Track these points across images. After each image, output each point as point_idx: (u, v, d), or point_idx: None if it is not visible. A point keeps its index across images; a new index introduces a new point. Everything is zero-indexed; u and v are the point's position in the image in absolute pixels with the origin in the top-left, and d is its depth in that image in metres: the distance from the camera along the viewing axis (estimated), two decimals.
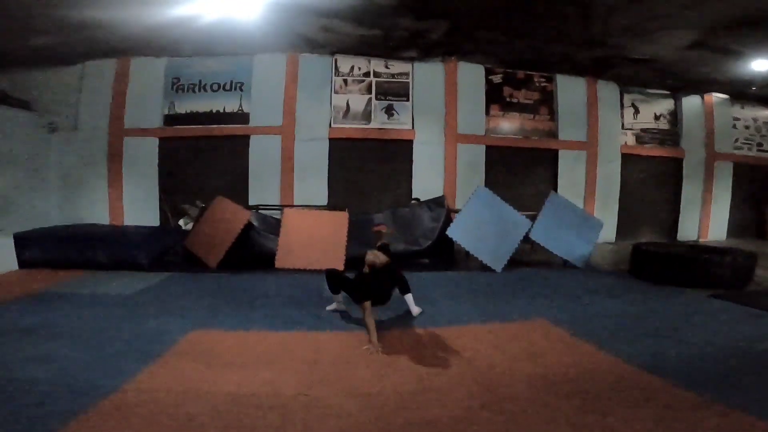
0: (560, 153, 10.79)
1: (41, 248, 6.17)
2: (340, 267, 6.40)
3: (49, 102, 9.62)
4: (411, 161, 10.15)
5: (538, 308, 4.62)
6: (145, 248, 6.47)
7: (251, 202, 9.29)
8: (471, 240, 6.56)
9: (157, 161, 9.69)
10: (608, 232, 10.56)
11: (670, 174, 11.76)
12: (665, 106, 11.85)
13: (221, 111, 9.92)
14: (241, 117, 9.89)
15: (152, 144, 9.68)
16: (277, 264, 6.48)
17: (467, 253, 6.77)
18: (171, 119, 9.87)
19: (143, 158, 9.61)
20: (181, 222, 8.82)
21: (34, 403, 2.37)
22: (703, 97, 11.79)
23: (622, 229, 11.09)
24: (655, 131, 11.75)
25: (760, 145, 12.52)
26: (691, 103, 11.79)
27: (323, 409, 2.42)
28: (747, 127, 12.40)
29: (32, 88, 9.59)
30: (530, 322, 4.13)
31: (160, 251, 6.73)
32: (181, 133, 9.74)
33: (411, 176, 10.15)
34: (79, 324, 3.85)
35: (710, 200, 11.83)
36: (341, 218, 6.90)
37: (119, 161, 9.56)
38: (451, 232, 6.57)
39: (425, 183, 9.96)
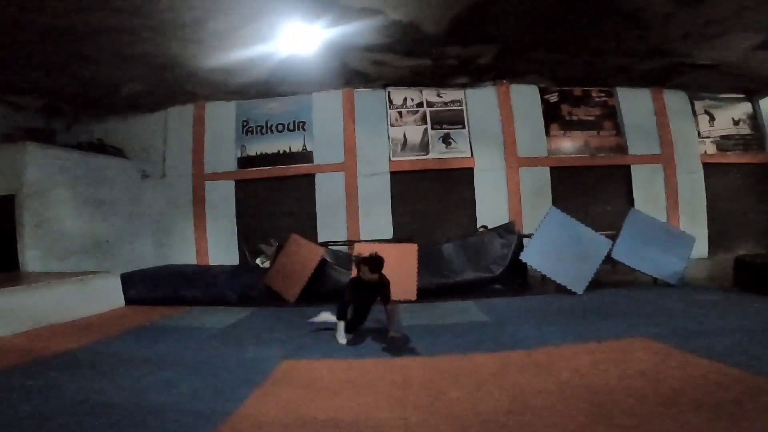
0: (633, 168, 10.22)
1: (143, 287, 6.82)
2: (413, 297, 6.43)
3: (139, 149, 10.76)
4: (473, 189, 10.11)
5: (636, 327, 4.28)
6: (231, 285, 6.94)
7: (320, 238, 9.65)
8: (547, 263, 6.31)
9: (234, 203, 10.45)
10: (700, 247, 9.61)
11: (760, 180, 10.66)
12: (742, 110, 10.94)
13: (287, 151, 10.59)
14: (306, 156, 10.49)
15: (229, 187, 10.49)
16: None
17: (543, 277, 6.51)
18: (244, 161, 10.67)
19: (222, 201, 10.42)
20: (258, 260, 9.33)
21: (165, 429, 2.56)
22: None
23: (715, 243, 10.13)
24: (736, 137, 10.83)
25: None
26: None
27: None
28: None
29: (124, 137, 10.76)
30: (631, 340, 3.83)
31: (244, 288, 7.11)
32: (253, 175, 10.48)
33: (474, 204, 10.07)
34: (187, 354, 4.16)
35: None
36: (411, 250, 6.95)
37: (203, 204, 10.43)
38: (525, 256, 6.37)
39: (490, 210, 9.82)
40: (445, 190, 10.18)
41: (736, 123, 10.87)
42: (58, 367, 3.68)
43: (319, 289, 6.83)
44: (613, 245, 6.48)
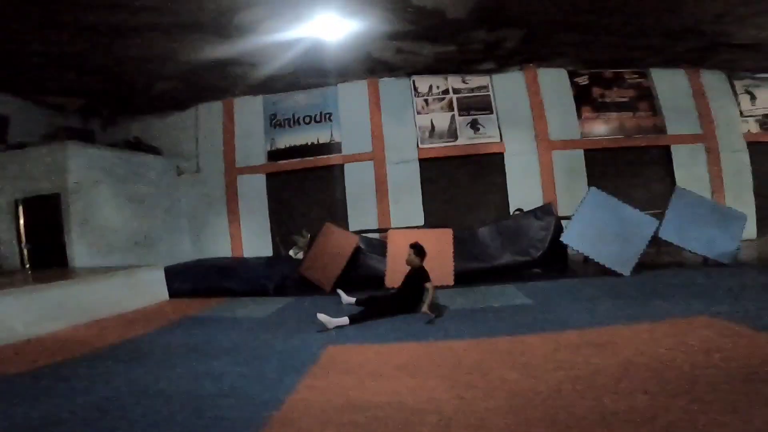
0: (673, 148, 9.79)
1: (185, 280, 7.00)
2: (450, 282, 6.36)
3: (173, 146, 10.99)
4: (504, 174, 9.92)
5: (695, 306, 4.09)
6: (269, 276, 7.05)
7: (351, 227, 9.65)
8: (590, 245, 6.10)
9: (266, 196, 10.59)
10: (748, 228, 9.08)
11: None
12: None
13: (315, 143, 10.63)
14: (334, 147, 10.51)
15: (260, 180, 10.63)
16: (388, 283, 6.59)
17: (585, 258, 6.31)
18: (273, 155, 10.77)
19: (254, 194, 10.58)
20: (291, 252, 9.44)
21: (223, 417, 2.57)
22: None
23: (764, 223, 9.60)
24: None
25: None
26: None
27: (483, 411, 2.34)
28: None
29: (158, 134, 11.02)
30: (691, 319, 3.66)
31: (281, 278, 7.21)
32: (283, 167, 10.58)
33: (506, 189, 9.87)
34: (233, 342, 4.22)
35: None
36: (446, 235, 6.86)
37: (235, 198, 10.62)
38: (566, 238, 6.19)
39: (522, 194, 9.60)
40: (476, 176, 10.02)
41: None
42: (116, 358, 3.80)
43: (355, 276, 6.82)
44: (659, 225, 6.21)
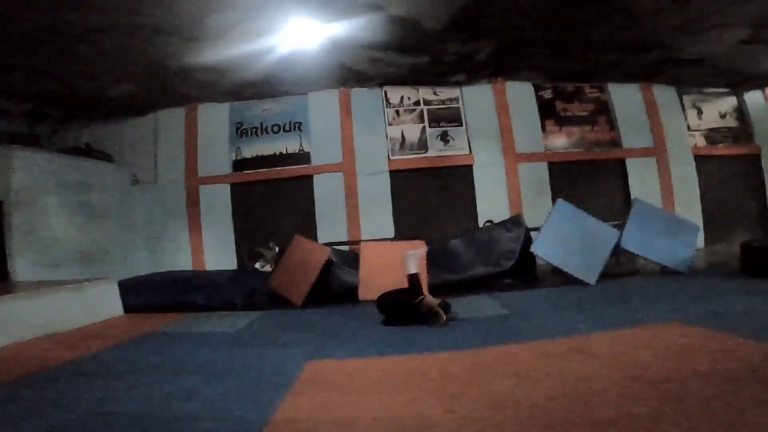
0: (627, 162, 10.38)
1: (142, 294, 6.54)
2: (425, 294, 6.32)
3: (129, 154, 10.37)
4: (473, 186, 10.09)
5: (663, 312, 4.25)
6: (236, 290, 6.75)
7: (320, 240, 9.45)
8: (558, 255, 6.30)
9: (230, 207, 10.19)
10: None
11: (750, 171, 11.01)
12: (728, 103, 11.27)
13: (284, 153, 10.39)
14: (303, 157, 10.31)
15: (224, 190, 10.23)
16: (361, 296, 6.48)
17: (553, 269, 6.50)
18: (239, 164, 10.41)
19: (218, 205, 10.15)
20: (257, 265, 9.12)
21: None
22: (764, 91, 11.19)
23: (710, 232, 10.34)
24: (724, 130, 11.13)
25: None
26: (754, 98, 11.20)
27: (477, 424, 2.28)
28: None
29: (112, 141, 10.34)
30: (663, 325, 3.79)
31: (249, 292, 6.93)
32: (249, 177, 10.25)
33: (474, 201, 10.05)
34: (202, 359, 3.94)
35: None
36: (418, 247, 6.85)
37: (197, 209, 10.13)
38: (536, 248, 6.35)
39: (490, 206, 9.81)
40: (445, 188, 10.14)
41: (722, 116, 11.17)
42: (68, 378, 3.45)
43: (326, 290, 6.70)
44: (620, 235, 6.51)
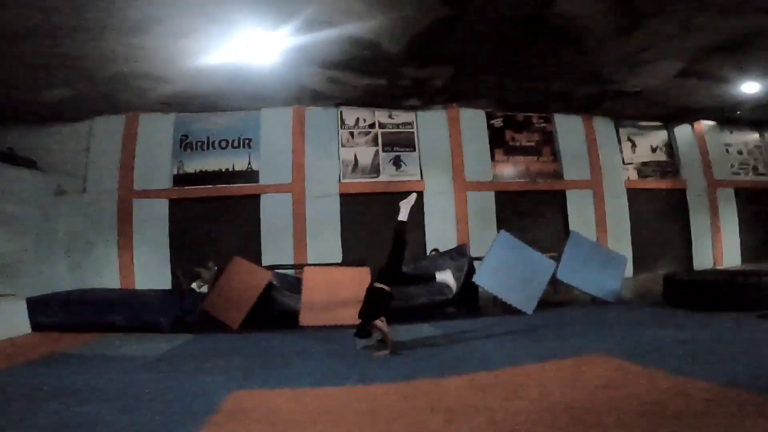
0: (567, 193, 10.93)
1: (56, 312, 6.05)
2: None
3: (57, 162, 9.48)
4: (422, 212, 10.14)
5: (590, 344, 4.42)
6: (164, 311, 6.38)
7: (265, 262, 9.09)
8: (498, 285, 6.44)
9: (167, 223, 9.61)
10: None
11: (676, 205, 11.89)
12: (660, 137, 12.17)
13: (230, 169, 10.01)
14: (251, 175, 9.99)
15: (162, 206, 9.65)
16: (302, 321, 6.29)
17: (494, 298, 6.62)
18: (180, 179, 9.90)
19: (154, 221, 9.54)
20: (194, 285, 8.60)
21: None
22: (693, 126, 12.16)
23: (638, 263, 11.00)
24: (654, 164, 12.00)
25: (756, 169, 12.78)
26: (683, 132, 12.15)
27: None
28: (740, 153, 12.71)
29: (39, 147, 9.40)
30: (589, 357, 3.92)
31: (179, 314, 6.62)
32: (191, 194, 9.76)
33: (423, 227, 10.12)
34: (114, 385, 3.59)
35: (719, 227, 11.86)
36: (363, 273, 6.78)
37: (130, 224, 9.46)
38: (478, 279, 6.46)
39: (439, 233, 9.92)
40: (395, 214, 10.03)
41: (654, 150, 12.08)
42: None
43: (266, 314, 6.49)
44: (557, 266, 6.77)
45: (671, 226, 11.83)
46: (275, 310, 6.54)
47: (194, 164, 10.04)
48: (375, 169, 10.34)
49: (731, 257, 11.90)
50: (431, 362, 4.10)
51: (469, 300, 7.03)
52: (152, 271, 9.34)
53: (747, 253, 12.13)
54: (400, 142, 10.57)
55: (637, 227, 11.27)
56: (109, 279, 9.20)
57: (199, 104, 9.70)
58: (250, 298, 6.37)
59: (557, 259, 6.95)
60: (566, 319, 5.89)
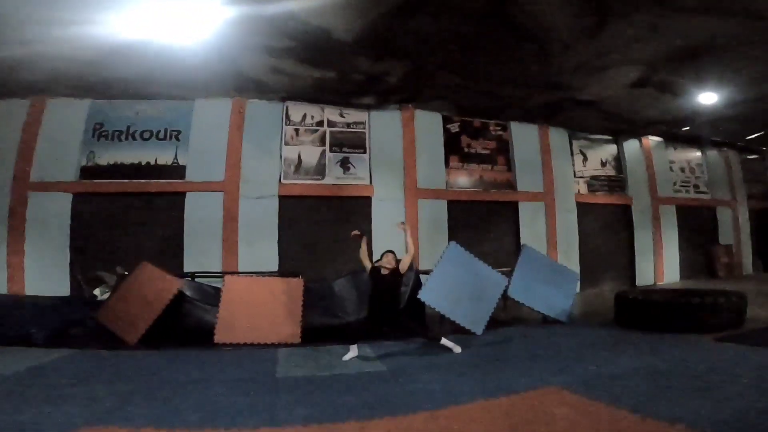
0: (520, 205, 10.63)
1: None
2: (297, 340, 5.38)
3: None
4: (370, 219, 9.40)
5: (543, 373, 3.87)
6: (41, 321, 5.45)
7: (187, 269, 7.98)
8: (446, 302, 5.75)
9: (69, 221, 8.21)
10: None
11: (621, 220, 12.00)
12: (609, 151, 12.30)
13: (152, 163, 8.80)
14: (176, 171, 8.82)
15: (64, 200, 8.25)
16: (217, 339, 5.33)
17: (442, 317, 5.96)
18: (90, 172, 8.56)
19: (52, 217, 8.14)
20: (96, 291, 7.31)
21: None
22: (641, 141, 12.40)
23: (584, 280, 10.80)
24: (603, 178, 12.07)
25: (696, 187, 13.29)
26: (631, 147, 12.34)
27: None
28: (682, 170, 13.18)
29: None
30: (542, 391, 3.38)
31: (62, 325, 5.63)
32: (101, 188, 8.45)
33: (371, 236, 9.34)
34: None
35: (661, 244, 12.09)
36: (295, 285, 5.91)
37: (22, 220, 8.00)
38: (423, 295, 5.74)
39: (386, 243, 9.05)
40: (340, 220, 9.30)
41: (603, 164, 12.16)
42: None
43: (175, 329, 5.52)
44: (508, 283, 6.25)
45: (616, 242, 11.89)
46: (187, 325, 5.58)
47: (108, 155, 8.74)
48: (320, 171, 9.49)
49: (671, 274, 12.17)
50: (361, 397, 3.36)
51: (416, 318, 6.24)
52: (48, 275, 7.93)
53: (686, 270, 12.47)
54: (349, 143, 9.81)
55: (585, 243, 11.18)
56: None
57: (120, 90, 8.52)
58: (155, 309, 5.38)
59: (509, 275, 6.43)
60: (517, 342, 5.33)
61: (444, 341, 4.88)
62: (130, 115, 8.96)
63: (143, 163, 8.75)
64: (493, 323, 6.05)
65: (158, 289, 5.53)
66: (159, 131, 8.99)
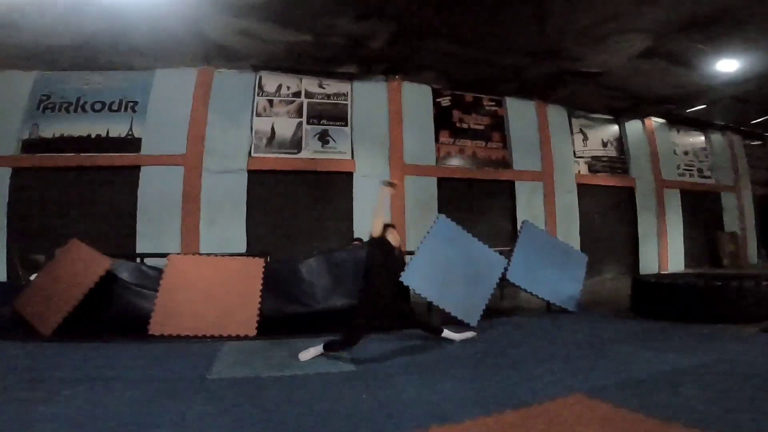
0: (517, 184, 9.75)
1: None
2: (251, 331, 4.43)
3: None
4: (351, 197, 8.49)
5: (558, 376, 2.95)
6: None
7: (140, 250, 7.03)
8: (433, 287, 4.82)
9: (7, 197, 7.23)
10: None
11: (624, 203, 11.18)
12: (611, 131, 11.50)
13: (102, 135, 7.82)
14: (131, 144, 7.83)
15: (2, 175, 7.28)
16: (152, 329, 4.36)
17: (429, 304, 5.05)
18: (32, 145, 7.59)
19: None
20: (32, 277, 6.31)
21: None
22: (644, 122, 11.61)
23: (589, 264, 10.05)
24: (604, 159, 11.25)
25: (700, 171, 12.54)
26: (634, 128, 11.55)
27: None
28: (686, 153, 12.43)
29: None
30: (561, 402, 2.44)
31: None
32: (44, 162, 7.46)
33: (352, 215, 8.43)
34: None
35: (665, 229, 11.32)
36: (253, 266, 4.95)
37: None
38: (406, 277, 4.80)
39: (368, 223, 8.23)
40: (318, 198, 8.38)
41: (604, 144, 11.33)
42: None
43: (102, 316, 4.54)
44: (507, 264, 5.34)
45: (619, 227, 11.09)
46: (117, 312, 4.57)
47: (54, 128, 7.79)
48: (296, 144, 8.51)
49: (676, 262, 11.39)
50: (312, 409, 2.42)
51: (398, 306, 5.33)
52: None
53: (690, 257, 11.71)
54: (329, 115, 8.84)
55: (585, 226, 10.35)
56: None
57: (69, 60, 7.62)
58: (75, 294, 4.41)
59: (507, 256, 5.53)
60: (521, 336, 4.37)
61: (446, 333, 4.07)
62: (81, 86, 8.03)
63: (92, 136, 7.78)
64: (489, 313, 5.12)
65: (84, 270, 4.55)
66: (113, 102, 8.05)
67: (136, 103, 8.06)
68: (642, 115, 11.46)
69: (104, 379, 2.91)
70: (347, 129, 8.84)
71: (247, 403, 2.49)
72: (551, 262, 5.63)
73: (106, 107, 7.95)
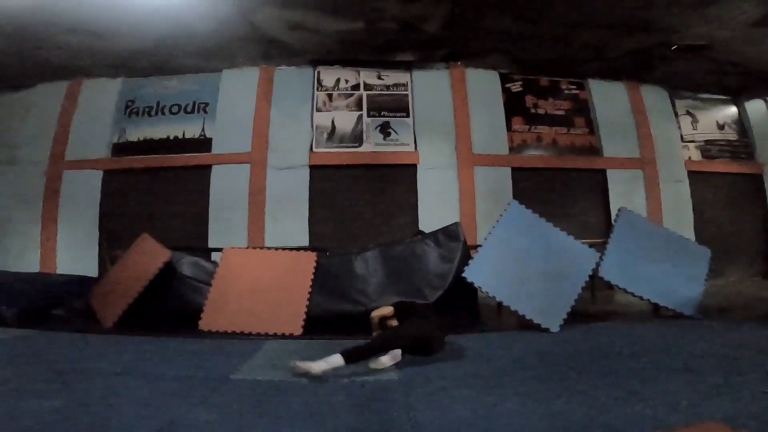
0: (609, 173, 8.43)
1: None
2: (297, 330, 4.10)
3: None
4: (415, 190, 7.98)
5: (681, 396, 2.10)
6: (16, 299, 4.75)
7: (212, 245, 7.29)
8: (503, 285, 4.10)
9: (99, 198, 7.91)
10: None
11: (750, 193, 9.18)
12: (727, 113, 9.57)
13: (179, 137, 8.25)
14: (203, 143, 8.15)
15: (95, 177, 7.98)
16: (202, 325, 4.23)
17: (499, 305, 4.32)
18: (121, 148, 8.23)
19: (84, 195, 7.90)
20: None
21: None
22: (766, 100, 9.48)
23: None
24: (722, 143, 9.36)
25: None
26: (755, 108, 9.50)
27: None
28: None
29: None
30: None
31: (44, 303, 4.99)
32: (129, 164, 8.05)
33: (416, 209, 7.90)
34: None
35: None
36: (305, 261, 4.66)
37: (56, 198, 7.85)
38: (470, 273, 4.14)
39: (435, 217, 7.54)
40: (380, 191, 8.01)
41: (720, 127, 9.43)
42: None
43: (157, 310, 4.52)
44: (599, 259, 4.40)
45: (745, 220, 9.09)
46: (171, 307, 4.54)
47: (139, 132, 8.36)
48: (357, 138, 8.22)
49: None
50: (342, 422, 1.96)
51: (464, 306, 4.66)
52: (78, 253, 7.66)
53: None
54: (389, 106, 8.43)
55: (701, 219, 8.62)
56: (30, 261, 7.59)
57: (147, 65, 8.20)
58: (135, 287, 4.46)
59: (599, 249, 4.58)
60: (620, 345, 3.42)
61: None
62: (160, 90, 8.57)
63: (171, 138, 8.26)
64: (575, 317, 4.23)
65: (144, 264, 4.63)
66: (187, 105, 8.46)
67: (207, 104, 8.42)
68: (765, 94, 9.36)
69: (133, 374, 2.73)
70: (409, 120, 8.35)
71: (264, 410, 2.07)
72: (660, 257, 4.55)
73: (182, 109, 8.40)
